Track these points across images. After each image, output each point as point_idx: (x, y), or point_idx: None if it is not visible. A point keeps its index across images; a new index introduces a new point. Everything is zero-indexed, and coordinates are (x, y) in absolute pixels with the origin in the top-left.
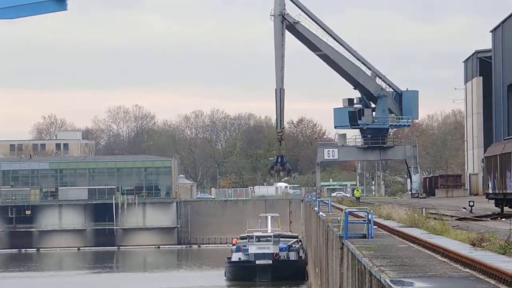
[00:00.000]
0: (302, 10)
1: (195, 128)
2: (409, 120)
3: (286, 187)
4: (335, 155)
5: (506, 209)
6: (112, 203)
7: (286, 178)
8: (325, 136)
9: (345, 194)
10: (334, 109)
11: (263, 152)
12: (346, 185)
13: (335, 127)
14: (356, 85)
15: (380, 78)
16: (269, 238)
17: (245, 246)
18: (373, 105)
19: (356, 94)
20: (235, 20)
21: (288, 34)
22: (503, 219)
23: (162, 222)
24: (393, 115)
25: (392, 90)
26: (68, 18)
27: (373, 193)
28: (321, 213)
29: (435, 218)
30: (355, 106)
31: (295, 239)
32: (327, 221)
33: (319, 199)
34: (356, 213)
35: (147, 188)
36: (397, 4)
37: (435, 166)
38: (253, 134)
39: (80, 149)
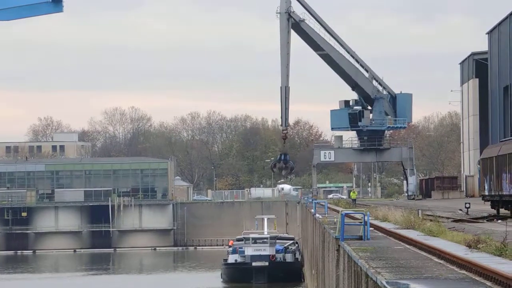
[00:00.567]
0: (306, 9)
1: (191, 130)
2: (405, 122)
3: (290, 189)
4: (332, 157)
5: (502, 211)
6: (108, 205)
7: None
8: (321, 138)
9: (342, 196)
10: (331, 111)
11: (259, 154)
12: (342, 187)
13: (332, 129)
14: (355, 86)
15: (376, 80)
16: (265, 240)
17: (241, 248)
18: (369, 107)
19: (352, 96)
20: (232, 22)
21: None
22: (499, 221)
23: (158, 224)
24: (389, 117)
25: (387, 92)
26: (64, 20)
27: (370, 195)
28: (317, 215)
29: (431, 220)
30: (355, 108)
31: (291, 241)
32: (324, 223)
33: (316, 201)
34: (352, 215)
35: (144, 190)
36: (393, 6)
37: (431, 168)
38: (249, 136)
39: (76, 151)
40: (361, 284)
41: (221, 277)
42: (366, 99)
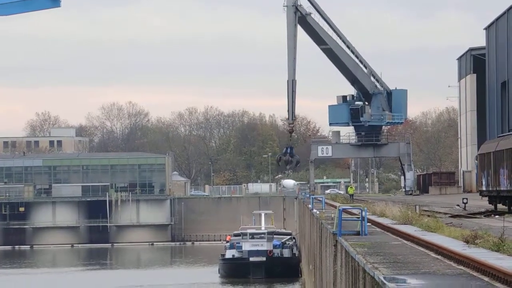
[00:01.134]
0: (311, 3)
1: (189, 125)
2: (402, 118)
3: (294, 184)
4: (329, 152)
5: (499, 206)
6: (105, 200)
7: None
8: (319, 133)
9: (339, 191)
10: (329, 106)
11: (257, 149)
12: (339, 182)
13: (330, 124)
14: (354, 81)
15: (373, 76)
16: (262, 235)
17: (238, 243)
18: (366, 103)
19: (349, 92)
20: (229, 17)
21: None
22: (497, 216)
23: (156, 219)
24: (386, 112)
25: (383, 88)
26: (62, 15)
27: (367, 190)
28: (315, 210)
29: (428, 216)
30: (356, 103)
31: (288, 236)
32: (321, 218)
33: (313, 196)
34: (349, 210)
35: (141, 185)
36: (391, 1)
37: (429, 164)
38: (247, 131)
39: (74, 146)
40: (359, 280)
41: (219, 272)
42: (365, 94)
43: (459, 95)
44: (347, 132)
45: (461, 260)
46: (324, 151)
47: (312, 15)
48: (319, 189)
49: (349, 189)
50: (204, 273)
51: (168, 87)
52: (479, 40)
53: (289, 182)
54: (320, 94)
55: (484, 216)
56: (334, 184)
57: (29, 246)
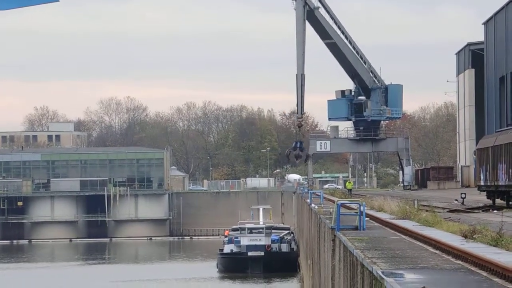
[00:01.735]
0: None
1: (187, 120)
2: (399, 113)
3: (299, 178)
4: (327, 147)
5: (497, 201)
6: (104, 195)
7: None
8: (317, 128)
9: (337, 186)
10: (328, 101)
11: (255, 144)
12: (338, 177)
13: (329, 119)
14: (354, 76)
15: (371, 71)
16: (261, 230)
17: (237, 237)
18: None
19: (347, 86)
20: (228, 12)
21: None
22: (495, 211)
23: (154, 214)
24: (385, 107)
25: (379, 83)
26: (60, 10)
27: (365, 185)
28: (313, 205)
29: (427, 210)
30: (359, 98)
31: (287, 231)
32: (319, 213)
33: (311, 191)
34: (348, 205)
35: (139, 179)
36: None
37: (427, 158)
38: (245, 126)
39: (72, 141)
40: (357, 274)
41: (217, 267)
42: (364, 89)
43: (457, 90)
44: (346, 127)
45: (459, 255)
46: (322, 146)
47: (319, 10)
48: (317, 184)
49: (347, 184)
50: (203, 268)
51: (166, 82)
52: (478, 35)
53: (294, 177)
54: (318, 89)
55: (482, 211)
56: (333, 179)
57: (27, 240)
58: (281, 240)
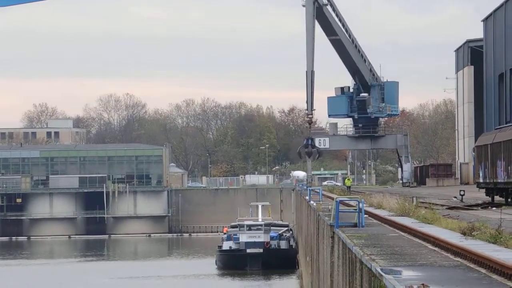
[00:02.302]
0: None
1: (186, 117)
2: (397, 110)
3: (304, 175)
4: (326, 144)
5: (496, 198)
6: (103, 192)
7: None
8: (316, 125)
9: (336, 183)
10: (328, 97)
11: (254, 141)
12: (337, 174)
13: (329, 116)
14: (356, 73)
15: (370, 68)
16: (260, 227)
17: (236, 234)
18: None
19: (345, 83)
20: (227, 10)
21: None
22: (494, 208)
23: (153, 211)
24: (384, 104)
25: (376, 81)
26: (58, 6)
27: (364, 182)
28: (312, 202)
29: (425, 207)
30: (362, 95)
31: (285, 228)
32: (318, 210)
33: (310, 188)
34: (347, 202)
35: (138, 176)
36: None
37: (426, 155)
38: (244, 123)
39: (71, 138)
40: (356, 271)
41: (216, 264)
42: (364, 86)
43: (456, 87)
44: (345, 124)
45: (458, 252)
46: (321, 143)
47: (328, 7)
48: (316, 181)
49: (346, 181)
50: (201, 265)
51: (165, 79)
52: (477, 32)
53: (300, 174)
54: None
55: (481, 208)
56: (332, 176)
57: (26, 237)
58: (280, 237)
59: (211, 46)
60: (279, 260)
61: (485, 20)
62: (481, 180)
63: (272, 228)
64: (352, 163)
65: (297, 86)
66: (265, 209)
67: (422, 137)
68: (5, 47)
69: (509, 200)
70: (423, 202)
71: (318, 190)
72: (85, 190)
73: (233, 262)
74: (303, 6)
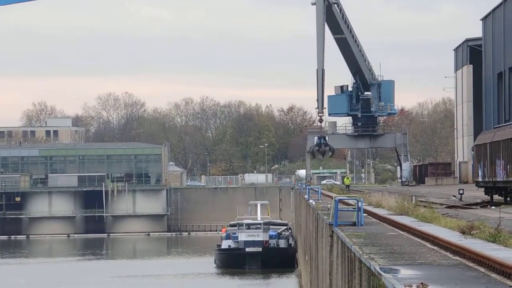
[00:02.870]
0: None
1: (185, 115)
2: (395, 109)
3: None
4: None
5: (495, 197)
6: (102, 190)
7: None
8: (315, 124)
9: (335, 182)
10: (328, 96)
11: (253, 140)
12: (336, 173)
13: (330, 114)
14: (357, 72)
15: (369, 68)
16: (259, 226)
17: (235, 233)
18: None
19: (343, 82)
20: (224, 8)
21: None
22: (493, 207)
23: (152, 210)
24: (384, 103)
25: (374, 80)
26: (57, 5)
27: (363, 181)
28: (311, 200)
29: (425, 206)
30: (366, 93)
31: (284, 227)
32: (317, 209)
33: (309, 187)
34: (346, 200)
35: (137, 175)
36: None
37: (425, 154)
38: (243, 121)
39: (70, 136)
40: (355, 270)
41: (215, 263)
42: (364, 85)
43: (455, 86)
44: (344, 123)
45: (457, 250)
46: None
47: (335, 5)
48: (315, 180)
49: (345, 179)
50: (200, 264)
51: (164, 77)
52: (476, 30)
53: (304, 173)
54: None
55: (480, 207)
56: (331, 174)
57: (25, 236)
58: (279, 236)
59: (210, 45)
60: (278, 259)
61: (484, 19)
62: (480, 179)
63: (271, 227)
64: (351, 162)
65: (296, 85)
66: (264, 208)
67: (421, 136)
68: (4, 46)
69: (508, 199)
70: (422, 201)
71: (317, 189)
72: (84, 189)
73: (232, 261)
74: (312, 4)
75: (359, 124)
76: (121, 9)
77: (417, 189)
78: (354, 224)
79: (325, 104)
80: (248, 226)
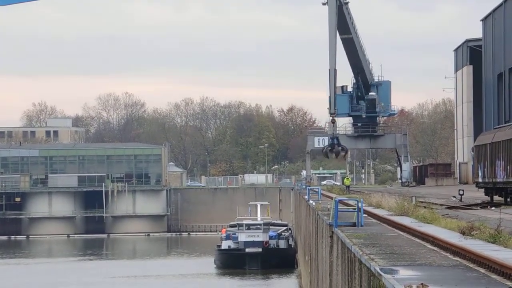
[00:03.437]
0: None
1: (185, 116)
2: (391, 109)
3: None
4: (325, 143)
5: (495, 198)
6: (102, 191)
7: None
8: (315, 124)
9: (335, 183)
10: (329, 97)
11: (253, 140)
12: (336, 173)
13: (331, 115)
14: (359, 72)
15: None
16: (258, 226)
17: (234, 234)
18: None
19: (344, 82)
20: (223, 7)
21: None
22: (493, 208)
23: (152, 210)
24: (382, 103)
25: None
26: (58, 5)
27: (363, 181)
28: (311, 201)
29: (425, 207)
30: (370, 94)
31: (284, 227)
32: (317, 209)
33: (309, 188)
34: (346, 201)
35: (137, 175)
36: None
37: (425, 155)
38: (243, 122)
39: (70, 137)
40: (355, 271)
41: (215, 263)
42: (365, 85)
43: (455, 87)
44: (343, 124)
45: (457, 251)
46: (320, 142)
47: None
48: (315, 180)
49: (345, 180)
50: (200, 264)
51: (164, 77)
52: (476, 31)
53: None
54: (315, 85)
55: (480, 207)
56: (330, 175)
57: (25, 236)
58: (279, 236)
59: (209, 45)
60: (278, 260)
61: (484, 19)
62: (480, 180)
63: (271, 227)
64: (351, 162)
65: (297, 86)
66: (264, 208)
67: (421, 136)
68: (4, 46)
69: (508, 199)
70: (422, 202)
71: (317, 190)
72: (84, 189)
73: (232, 262)
74: (323, 4)
75: (359, 124)
76: (121, 9)
77: (417, 190)
78: (354, 224)
79: (323, 105)
80: (248, 226)
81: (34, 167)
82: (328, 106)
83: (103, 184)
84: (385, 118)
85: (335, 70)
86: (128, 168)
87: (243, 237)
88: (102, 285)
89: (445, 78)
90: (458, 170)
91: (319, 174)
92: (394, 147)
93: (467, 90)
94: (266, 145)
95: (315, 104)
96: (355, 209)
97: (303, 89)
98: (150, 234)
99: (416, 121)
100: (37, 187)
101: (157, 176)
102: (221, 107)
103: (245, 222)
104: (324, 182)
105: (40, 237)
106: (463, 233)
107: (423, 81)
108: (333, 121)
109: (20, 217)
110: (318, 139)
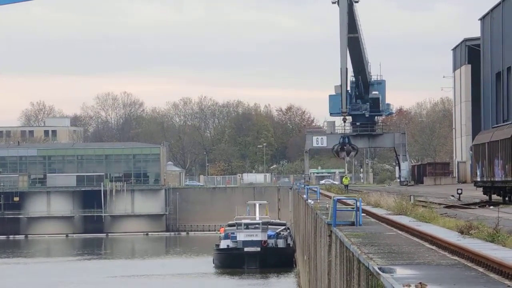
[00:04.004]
0: None
1: (183, 115)
2: (390, 108)
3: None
4: (324, 142)
5: (494, 197)
6: (100, 190)
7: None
8: (313, 124)
9: (334, 182)
10: (329, 95)
11: (251, 140)
12: (334, 172)
13: (331, 114)
14: (360, 71)
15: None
16: (257, 226)
17: (233, 233)
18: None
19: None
20: (223, 7)
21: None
22: (491, 207)
23: (150, 209)
24: (386, 102)
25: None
26: (56, 5)
27: (362, 180)
28: (309, 200)
29: (423, 206)
30: (373, 93)
31: (283, 227)
32: (316, 209)
33: (308, 187)
34: (344, 200)
35: (136, 175)
36: None
37: (424, 154)
38: (241, 121)
39: (69, 136)
40: (353, 270)
41: (213, 263)
42: (364, 84)
43: (454, 86)
44: (340, 123)
45: (455, 250)
46: (319, 141)
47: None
48: (313, 180)
49: (344, 179)
50: (199, 264)
51: (162, 77)
52: (474, 30)
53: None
54: (313, 85)
55: (479, 206)
56: (329, 174)
57: (23, 236)
58: (277, 235)
59: (208, 44)
60: (277, 259)
61: (483, 18)
62: (478, 179)
63: (269, 226)
64: (349, 161)
65: (295, 85)
66: (263, 207)
67: (420, 135)
68: (2, 45)
69: (507, 198)
70: (420, 201)
71: (315, 189)
72: (83, 189)
73: (231, 261)
74: (333, 3)
75: (358, 123)
76: (120, 9)
77: (416, 189)
78: (352, 224)
79: (321, 104)
80: (247, 226)
81: (33, 167)
82: (340, 106)
83: (102, 183)
84: (383, 117)
85: (347, 69)
86: (127, 168)
87: (241, 236)
88: (101, 284)
89: (444, 77)
90: (456, 169)
91: (317, 173)
92: (393, 146)
93: (466, 89)
94: (264, 144)
95: (314, 103)
96: (353, 208)
97: (302, 89)
98: (149, 233)
99: (414, 120)
100: (35, 187)
101: (155, 175)
102: (220, 106)
103: (243, 221)
104: (322, 181)
105: (38, 237)
106: (462, 232)
107: (421, 80)
108: (345, 120)
109: (19, 216)
110: (317, 138)
